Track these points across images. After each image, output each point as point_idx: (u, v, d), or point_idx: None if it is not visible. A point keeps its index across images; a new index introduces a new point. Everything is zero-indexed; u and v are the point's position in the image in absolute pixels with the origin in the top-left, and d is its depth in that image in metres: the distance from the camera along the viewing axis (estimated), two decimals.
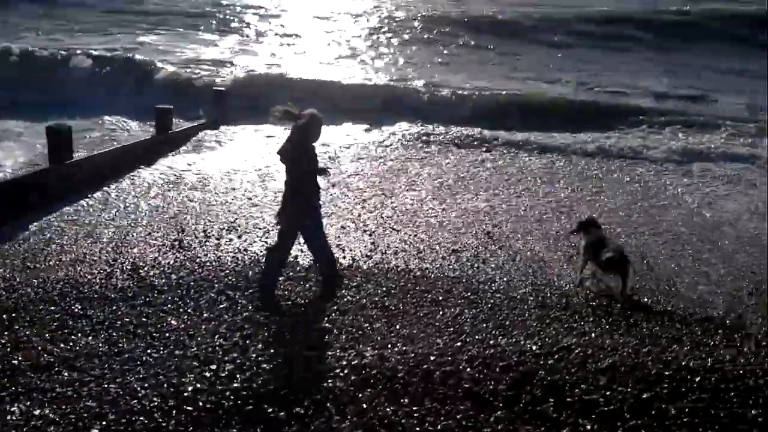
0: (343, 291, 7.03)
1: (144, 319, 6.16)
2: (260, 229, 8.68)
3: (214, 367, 5.23)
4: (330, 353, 5.49)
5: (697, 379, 5.43)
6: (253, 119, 14.80)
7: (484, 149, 14.01)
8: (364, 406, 4.70)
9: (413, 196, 10.68)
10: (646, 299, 7.52)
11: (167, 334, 5.88)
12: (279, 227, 6.70)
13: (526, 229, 9.58)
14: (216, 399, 4.78)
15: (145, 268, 7.29)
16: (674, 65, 22.48)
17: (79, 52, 18.81)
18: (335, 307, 6.61)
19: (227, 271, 7.34)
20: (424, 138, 14.62)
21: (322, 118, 6.58)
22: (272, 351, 5.53)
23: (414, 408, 4.75)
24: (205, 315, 6.30)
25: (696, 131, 16.37)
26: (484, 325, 6.42)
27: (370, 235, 8.88)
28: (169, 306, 6.46)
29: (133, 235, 8.19)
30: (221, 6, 29.24)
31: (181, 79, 17.78)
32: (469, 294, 7.30)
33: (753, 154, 14.67)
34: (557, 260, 8.52)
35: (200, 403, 4.77)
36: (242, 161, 11.99)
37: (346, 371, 5.09)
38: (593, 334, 6.41)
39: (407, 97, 17.07)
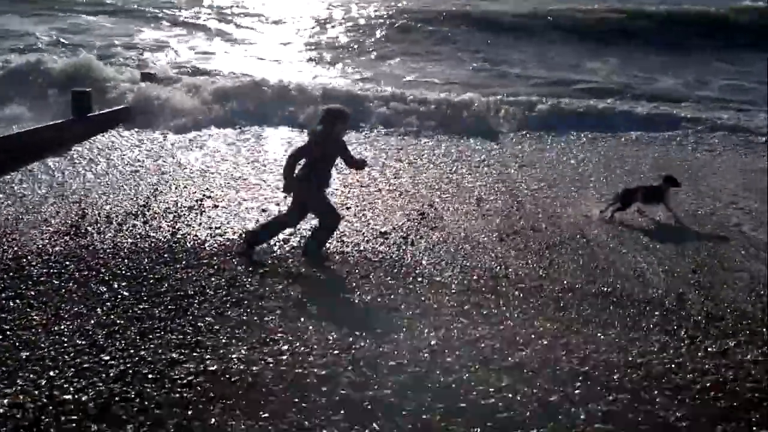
0: (244, 279, 6.05)
1: (3, 315, 5.14)
2: (170, 213, 7.64)
3: (53, 373, 4.23)
4: (196, 354, 4.49)
5: (616, 376, 4.49)
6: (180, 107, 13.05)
7: (425, 135, 12.79)
8: (213, 421, 3.72)
9: (346, 176, 9.66)
10: (580, 280, 6.61)
11: (22, 332, 4.86)
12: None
13: (463, 209, 8.62)
14: (32, 416, 3.77)
15: (29, 257, 6.26)
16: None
17: None
18: (229, 297, 5.62)
19: (120, 259, 6.33)
20: (361, 125, 13.18)
21: (346, 112, 6.73)
22: (132, 352, 4.53)
23: (273, 421, 3.77)
24: (75, 309, 5.29)
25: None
26: (390, 315, 5.45)
27: None
28: (40, 299, 5.44)
29: (26, 222, 7.14)
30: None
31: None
32: (388, 279, 6.35)
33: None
34: (492, 241, 7.57)
35: (8, 423, 3.74)
36: (163, 145, 10.84)
37: (201, 378, 4.10)
38: (511, 322, 5.46)
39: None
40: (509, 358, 4.63)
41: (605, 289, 6.46)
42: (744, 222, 8.65)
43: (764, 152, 12.37)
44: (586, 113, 14.15)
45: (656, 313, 5.98)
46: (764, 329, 5.76)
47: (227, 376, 4.10)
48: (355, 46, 21.63)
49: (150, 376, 4.13)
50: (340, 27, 23.68)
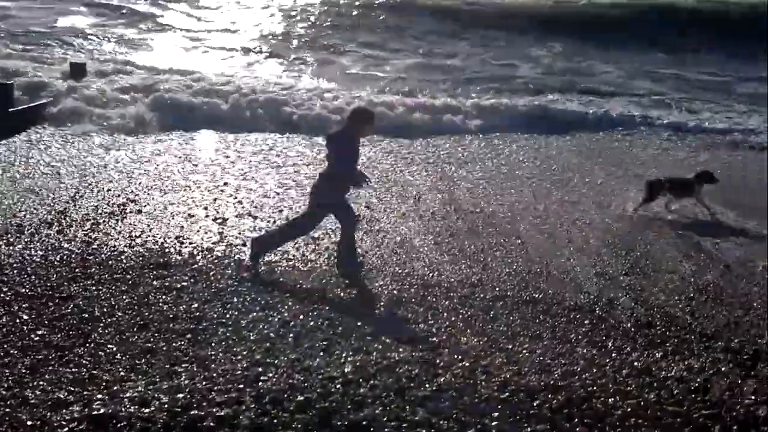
0: (158, 296, 5.58)
1: None
2: (88, 221, 7.09)
3: None
4: (87, 393, 4.03)
5: (536, 403, 4.20)
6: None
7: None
8: None
9: (281, 179, 9.21)
10: (511, 285, 6.34)
11: None
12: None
13: (401, 210, 8.28)
14: None
15: None
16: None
17: None
18: (137, 319, 5.15)
19: (25, 276, 5.78)
20: (295, 123, 12.52)
21: (372, 113, 6.54)
22: (16, 392, 4.04)
23: None
24: None
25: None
26: (310, 336, 5.06)
27: (220, 223, 7.41)
28: None
29: None
30: None
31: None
32: (314, 292, 5.95)
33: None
34: (428, 245, 7.24)
35: None
36: (86, 145, 10.16)
37: (83, 426, 3.65)
38: (435, 340, 5.13)
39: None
40: (427, 386, 4.30)
41: (536, 295, 6.21)
42: (675, 220, 8.57)
43: (693, 149, 12.47)
44: (523, 112, 14.10)
45: (585, 321, 5.76)
46: (691, 336, 5.59)
47: (114, 421, 3.66)
48: (303, 34, 21.03)
49: (29, 423, 3.66)
50: (286, 13, 23.01)
